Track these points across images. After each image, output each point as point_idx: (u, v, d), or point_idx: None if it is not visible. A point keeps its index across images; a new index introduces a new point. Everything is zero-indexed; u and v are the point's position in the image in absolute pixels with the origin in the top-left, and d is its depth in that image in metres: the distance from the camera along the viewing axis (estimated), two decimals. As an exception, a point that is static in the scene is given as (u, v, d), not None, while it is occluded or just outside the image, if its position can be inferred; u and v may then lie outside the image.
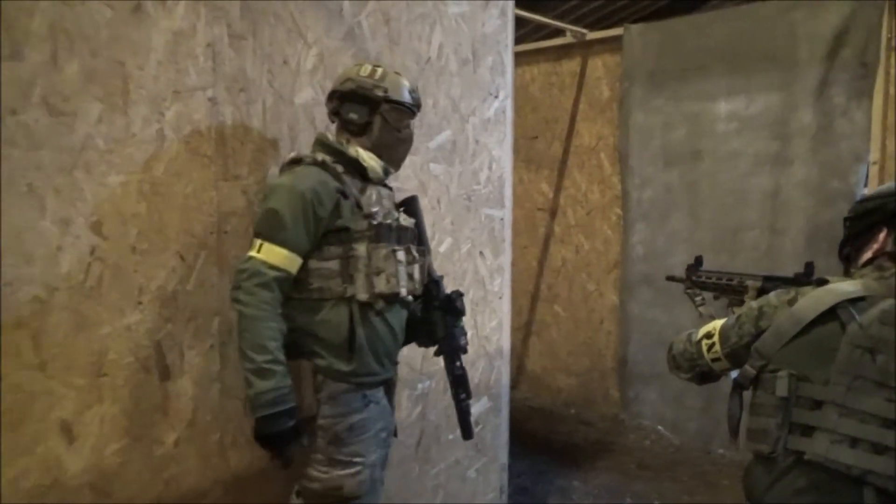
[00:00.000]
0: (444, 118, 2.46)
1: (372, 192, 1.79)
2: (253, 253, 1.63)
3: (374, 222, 1.71)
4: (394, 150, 1.86)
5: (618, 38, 4.13)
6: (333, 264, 1.69)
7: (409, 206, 1.93)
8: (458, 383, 1.89)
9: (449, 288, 1.99)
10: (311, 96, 2.02)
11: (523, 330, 4.78)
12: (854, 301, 1.25)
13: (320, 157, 1.73)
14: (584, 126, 4.41)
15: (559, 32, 4.37)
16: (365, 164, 1.77)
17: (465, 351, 1.90)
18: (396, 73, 1.85)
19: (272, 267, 1.61)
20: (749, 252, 3.61)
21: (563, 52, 4.45)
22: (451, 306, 1.88)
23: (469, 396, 1.89)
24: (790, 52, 3.46)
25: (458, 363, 1.89)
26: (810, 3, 3.37)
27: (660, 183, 4.01)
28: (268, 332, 1.59)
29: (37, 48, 1.50)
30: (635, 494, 3.29)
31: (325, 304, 1.69)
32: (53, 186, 1.55)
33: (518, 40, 4.49)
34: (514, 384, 4.82)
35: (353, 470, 1.71)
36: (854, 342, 1.22)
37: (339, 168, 1.73)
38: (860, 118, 3.30)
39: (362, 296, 1.69)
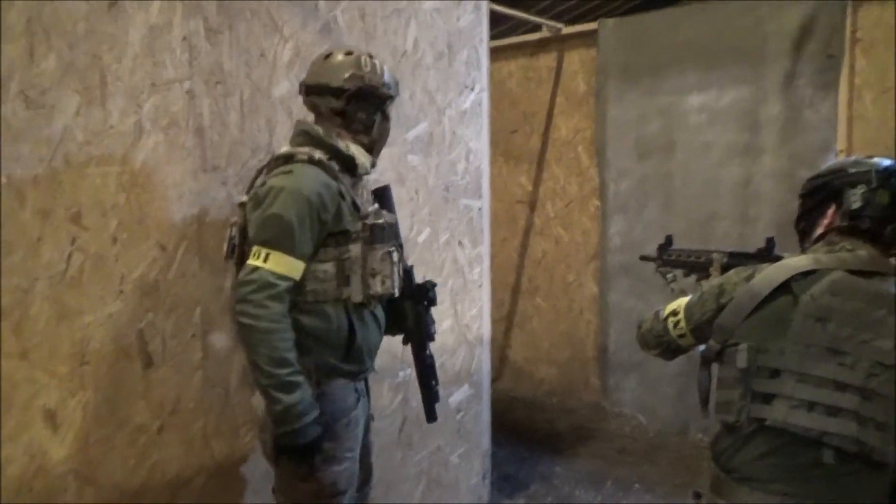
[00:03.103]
0: (421, 110, 2.51)
1: (362, 190, 1.77)
2: (259, 263, 1.53)
3: (370, 223, 1.68)
4: (383, 141, 1.84)
5: (593, 33, 4.19)
6: (329, 266, 1.64)
7: (383, 196, 1.88)
8: (429, 371, 1.89)
9: (427, 277, 2.03)
10: (287, 89, 2.06)
11: (505, 322, 4.83)
12: (806, 274, 1.31)
13: (317, 154, 1.64)
14: (561, 120, 4.47)
15: (537, 28, 4.43)
16: (357, 160, 1.72)
17: (432, 339, 1.90)
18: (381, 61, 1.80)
19: (281, 277, 1.54)
20: (721, 241, 3.68)
21: (540, 46, 4.51)
22: (424, 296, 1.86)
23: (437, 383, 1.91)
24: (758, 47, 3.54)
25: (427, 351, 1.89)
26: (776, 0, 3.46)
27: (635, 175, 4.08)
28: (285, 344, 1.53)
29: (13, 42, 1.52)
30: (616, 479, 3.36)
31: (321, 305, 1.64)
32: (32, 178, 1.57)
33: (497, 36, 4.56)
34: (497, 375, 4.87)
35: (345, 465, 1.69)
36: (806, 312, 1.29)
37: (336, 166, 1.66)
38: (827, 109, 3.39)
39: (357, 297, 1.65)
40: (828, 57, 3.36)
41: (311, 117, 1.78)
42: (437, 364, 2.63)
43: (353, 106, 1.71)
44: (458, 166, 2.67)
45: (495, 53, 4.62)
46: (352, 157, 1.70)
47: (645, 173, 4.04)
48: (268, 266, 1.53)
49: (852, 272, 1.31)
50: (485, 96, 2.80)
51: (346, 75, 1.69)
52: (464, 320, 2.74)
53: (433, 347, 2.50)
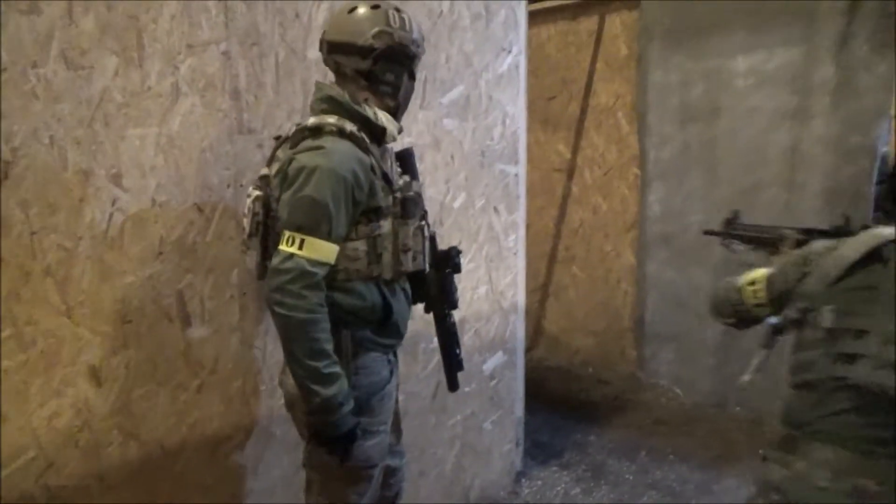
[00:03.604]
0: (457, 73, 2.46)
1: (390, 161, 1.67)
2: (294, 250, 1.44)
3: (400, 197, 1.59)
4: (407, 105, 1.72)
5: (636, -6, 4.06)
6: (360, 244, 1.55)
7: (406, 160, 1.77)
8: (452, 339, 1.84)
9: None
10: (323, 51, 2.03)
11: (540, 291, 4.80)
12: (893, 242, 1.30)
13: (347, 126, 1.52)
14: (601, 85, 4.36)
15: (577, -10, 4.31)
16: (386, 128, 1.60)
17: (455, 307, 1.83)
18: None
19: (318, 264, 1.45)
20: (767, 209, 3.57)
21: (581, 10, 4.38)
22: (449, 263, 1.78)
23: (460, 351, 1.86)
24: (810, 5, 3.38)
25: (450, 319, 1.83)
26: (833, -48, 3.29)
27: (678, 141, 3.97)
28: (323, 335, 1.46)
29: (53, 2, 1.53)
30: (650, 449, 3.33)
31: (352, 283, 1.57)
32: (74, 138, 1.59)
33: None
34: (532, 345, 4.87)
35: (378, 439, 1.65)
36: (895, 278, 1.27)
37: (366, 138, 1.55)
38: (884, 71, 3.22)
39: (388, 275, 1.59)
40: (886, 15, 3.18)
41: (329, 76, 1.68)
42: (472, 331, 2.64)
43: (381, 66, 1.57)
44: (494, 131, 2.63)
45: (534, 17, 4.51)
46: (383, 127, 1.59)
47: (687, 140, 3.93)
48: (304, 253, 1.44)
49: None
50: (522, 59, 2.73)
51: (374, 32, 1.56)
52: (498, 287, 2.72)
53: (468, 313, 2.50)
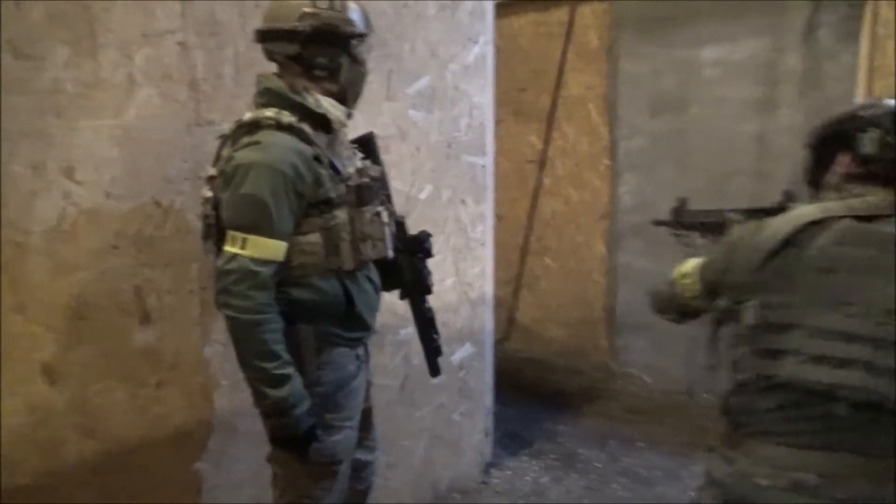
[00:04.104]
0: (423, 64, 2.45)
1: (340, 148, 1.61)
2: (236, 250, 1.41)
3: (353, 184, 1.55)
4: (358, 88, 1.66)
5: (606, -15, 4.06)
6: (315, 237, 1.52)
7: (367, 145, 1.74)
8: (429, 325, 1.83)
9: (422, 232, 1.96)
10: (283, 41, 2.01)
11: (514, 283, 4.81)
12: (812, 224, 1.27)
13: (285, 118, 1.47)
14: (572, 76, 4.37)
15: (548, -20, 4.30)
16: (330, 116, 1.55)
17: (430, 292, 1.82)
18: None
19: (263, 262, 1.42)
20: (737, 198, 3.58)
21: (552, 0, 4.38)
22: (420, 247, 1.76)
23: (439, 336, 1.85)
24: (778, -6, 3.41)
25: (426, 304, 1.82)
26: (799, -57, 3.31)
27: (648, 132, 3.99)
28: (272, 336, 1.43)
29: (-2, -10, 1.49)
30: (620, 437, 3.37)
31: (310, 278, 1.53)
32: (24, 131, 1.56)
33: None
34: (506, 336, 4.88)
35: (344, 434, 1.63)
36: (813, 265, 1.25)
37: (307, 129, 1.49)
38: (848, 60, 3.27)
39: (349, 265, 1.55)
40: (850, 5, 3.22)
41: (274, 67, 1.62)
42: (439, 322, 2.63)
43: (312, 50, 1.52)
44: (461, 122, 2.62)
45: (505, 8, 4.50)
46: (323, 114, 1.53)
47: (658, 130, 3.95)
48: (247, 252, 1.41)
49: (861, 218, 1.25)
50: (490, 50, 2.72)
51: (299, 14, 1.50)
52: (466, 279, 2.72)
53: (436, 305, 2.49)
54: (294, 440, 1.51)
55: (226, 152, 1.53)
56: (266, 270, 1.43)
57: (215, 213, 1.53)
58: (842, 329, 1.23)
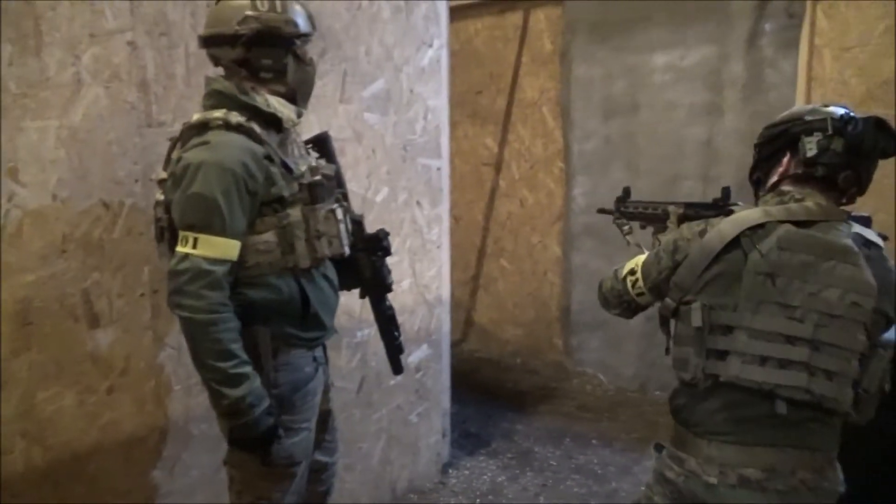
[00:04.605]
0: (378, 67, 2.46)
1: (292, 147, 1.62)
2: (188, 250, 1.40)
3: (306, 182, 1.56)
4: (307, 87, 1.66)
5: (559, -10, 4.14)
6: (269, 236, 1.52)
7: (322, 145, 1.75)
8: (390, 322, 1.85)
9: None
10: (237, 42, 1.99)
11: (471, 284, 4.86)
12: (755, 228, 1.32)
13: (233, 118, 1.47)
14: (527, 80, 4.43)
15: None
16: (280, 115, 1.55)
17: (390, 290, 1.84)
18: None
19: (216, 261, 1.41)
20: (685, 200, 3.72)
21: (507, 5, 4.43)
22: (378, 246, 1.78)
23: (400, 333, 1.87)
24: (724, 3, 3.53)
25: (386, 303, 1.84)
26: (742, -46, 3.44)
27: (600, 135, 4.08)
28: (228, 335, 1.42)
29: (-63, -14, 1.45)
30: (575, 435, 3.43)
31: (265, 277, 1.53)
32: (-36, 131, 1.51)
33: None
34: (463, 337, 4.92)
35: (301, 437, 1.63)
36: (755, 269, 1.30)
37: (257, 127, 1.50)
38: (787, 68, 3.40)
39: (305, 263, 1.55)
40: (789, 16, 3.36)
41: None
42: (396, 323, 2.64)
43: (255, 53, 1.52)
44: (416, 125, 2.64)
45: (461, 12, 4.54)
46: (272, 112, 1.53)
47: (610, 134, 4.04)
48: (199, 252, 1.40)
49: (801, 223, 1.31)
50: (444, 53, 2.75)
51: (240, 18, 1.50)
52: (423, 280, 2.74)
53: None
54: (254, 440, 1.50)
55: (175, 154, 1.52)
56: (219, 269, 1.42)
57: (167, 216, 1.52)
58: (784, 331, 1.29)
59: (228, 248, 1.44)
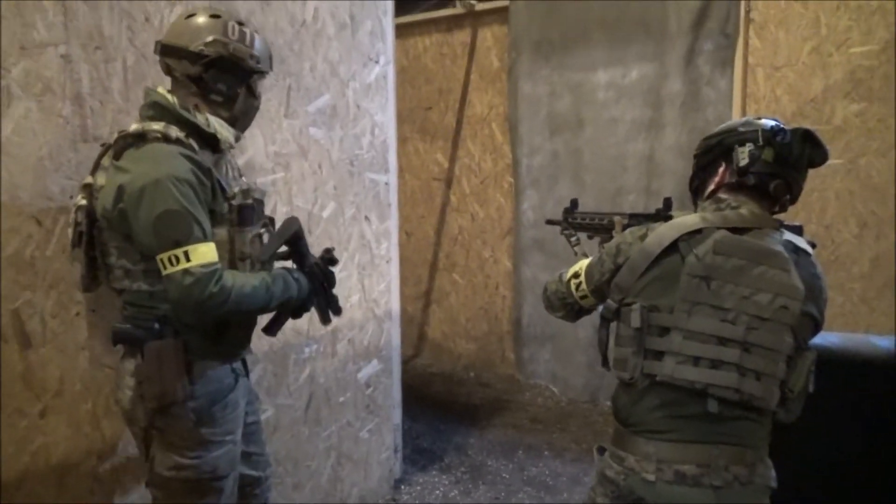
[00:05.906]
0: (323, 82, 2.46)
1: (226, 167, 1.63)
2: (184, 265, 1.41)
3: (237, 204, 1.56)
4: (249, 118, 1.72)
5: (505, 9, 4.22)
6: None
7: (294, 244, 1.72)
8: (315, 270, 1.75)
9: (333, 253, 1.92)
10: (177, 56, 1.97)
11: (423, 298, 4.86)
12: (693, 233, 1.38)
13: (173, 132, 1.48)
14: (476, 96, 4.50)
15: (451, 2, 4.42)
16: (220, 137, 1.57)
17: (336, 262, 1.81)
18: (255, 30, 1.67)
19: (210, 265, 1.44)
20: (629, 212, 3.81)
21: (454, 22, 4.50)
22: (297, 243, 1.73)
23: (332, 285, 1.78)
24: (662, 23, 3.66)
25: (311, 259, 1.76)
26: (678, -25, 3.57)
27: (547, 151, 4.16)
28: (254, 292, 1.52)
29: None
30: (527, 447, 3.45)
31: None
32: None
33: (413, 11, 4.52)
34: (417, 352, 4.92)
35: (225, 449, 1.61)
36: (691, 272, 1.35)
37: (194, 144, 1.51)
38: (724, 86, 3.54)
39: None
40: (724, 35, 3.50)
41: (167, 81, 1.63)
42: (345, 339, 2.63)
43: (213, 74, 1.56)
44: (362, 140, 2.65)
45: (410, 29, 4.59)
46: (212, 134, 1.56)
47: (556, 149, 4.12)
48: (194, 262, 1.42)
49: (736, 230, 1.37)
50: (390, 69, 2.77)
51: (208, 40, 1.54)
52: (372, 295, 2.73)
53: (341, 322, 2.49)
54: (307, 301, 1.71)
55: (106, 161, 1.52)
56: (217, 268, 1.46)
57: (88, 222, 1.52)
58: (717, 333, 1.34)
59: (212, 251, 1.47)
